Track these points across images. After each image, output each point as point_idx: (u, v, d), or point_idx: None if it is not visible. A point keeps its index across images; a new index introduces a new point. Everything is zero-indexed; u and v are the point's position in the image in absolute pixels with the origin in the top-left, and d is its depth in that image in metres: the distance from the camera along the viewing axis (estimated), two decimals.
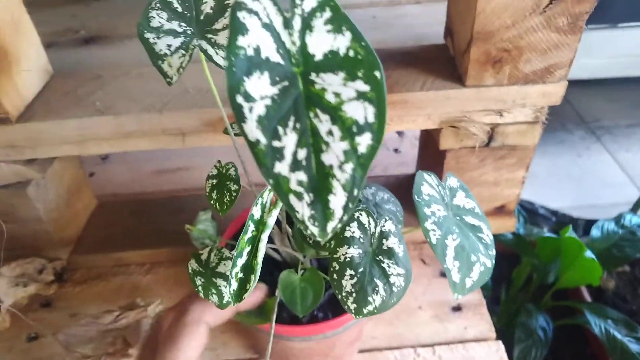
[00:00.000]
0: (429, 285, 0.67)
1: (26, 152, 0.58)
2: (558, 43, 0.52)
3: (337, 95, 0.26)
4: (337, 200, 0.27)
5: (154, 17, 0.39)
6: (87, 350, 0.59)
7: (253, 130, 0.25)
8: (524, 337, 0.89)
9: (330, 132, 0.26)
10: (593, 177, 1.65)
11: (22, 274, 0.65)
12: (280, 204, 0.37)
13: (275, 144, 0.26)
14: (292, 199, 0.26)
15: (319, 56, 0.26)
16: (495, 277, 0.97)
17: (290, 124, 0.26)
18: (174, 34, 0.39)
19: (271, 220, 0.36)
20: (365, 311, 0.38)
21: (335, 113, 0.26)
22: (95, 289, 0.68)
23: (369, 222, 0.41)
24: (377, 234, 0.40)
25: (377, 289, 0.38)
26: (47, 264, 0.67)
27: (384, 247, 0.40)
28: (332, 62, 0.26)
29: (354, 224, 0.40)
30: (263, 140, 0.25)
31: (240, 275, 0.35)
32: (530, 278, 1.03)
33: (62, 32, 0.76)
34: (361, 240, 0.40)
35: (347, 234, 0.40)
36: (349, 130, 0.26)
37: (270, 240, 0.49)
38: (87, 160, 0.91)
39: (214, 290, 0.41)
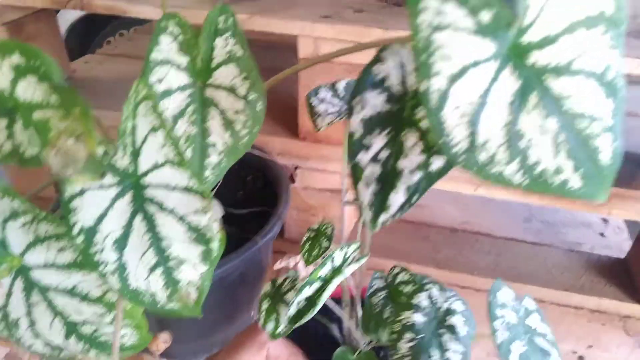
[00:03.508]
0: (630, 355, 0.78)
1: None
2: None
3: None
4: (397, 197, 0.31)
5: (319, 92, 0.48)
6: None
7: (355, 124, 0.33)
8: None
9: (414, 146, 0.31)
10: None
11: None
12: (362, 261, 0.40)
13: (366, 140, 0.32)
14: (361, 184, 0.32)
15: None
16: None
17: (385, 132, 0.32)
18: (332, 105, 0.48)
19: (348, 271, 0.38)
20: None
21: (424, 134, 0.31)
22: None
23: (438, 296, 0.42)
24: (443, 309, 0.42)
25: (430, 359, 0.39)
26: None
27: (447, 323, 0.41)
28: None
29: (424, 294, 0.42)
30: (358, 134, 0.33)
31: (302, 304, 0.38)
32: None
33: None
34: (427, 310, 0.42)
35: (415, 300, 0.42)
36: (430, 149, 0.30)
37: (339, 320, 0.52)
38: None
39: (273, 317, 0.42)
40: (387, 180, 0.32)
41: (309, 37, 0.68)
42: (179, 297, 0.33)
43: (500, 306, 0.40)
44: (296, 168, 0.77)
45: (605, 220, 1.04)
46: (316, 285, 0.38)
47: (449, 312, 0.42)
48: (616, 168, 0.31)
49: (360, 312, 0.50)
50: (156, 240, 0.33)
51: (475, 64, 0.27)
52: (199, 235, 0.33)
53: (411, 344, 0.40)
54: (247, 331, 0.47)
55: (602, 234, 1.01)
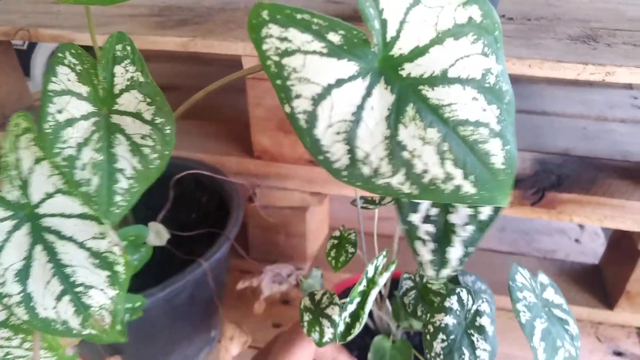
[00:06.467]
0: None
1: (316, 187, 0.80)
2: None
3: None
4: (455, 252, 0.32)
5: None
6: None
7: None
8: None
9: None
10: None
11: (278, 274, 0.87)
12: (391, 268, 0.42)
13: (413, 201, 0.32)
14: (418, 244, 0.33)
15: None
16: None
17: None
18: None
19: (381, 281, 0.41)
20: None
21: None
22: None
23: (467, 299, 0.45)
24: (472, 311, 0.45)
25: (463, 357, 0.43)
26: (294, 270, 0.88)
27: (477, 324, 0.44)
28: None
29: (454, 297, 0.45)
30: None
31: (347, 320, 0.40)
32: None
33: None
34: (457, 312, 0.44)
35: (447, 304, 0.44)
36: None
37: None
38: None
39: (317, 328, 0.45)
40: (443, 237, 0.33)
41: (253, 57, 0.68)
42: (93, 323, 0.33)
43: (520, 289, 0.43)
44: (256, 187, 0.77)
45: (581, 227, 1.03)
46: (357, 300, 0.41)
47: (478, 313, 0.45)
48: (512, 172, 0.30)
49: (388, 303, 0.53)
50: (59, 268, 0.33)
51: (339, 83, 0.27)
52: (102, 260, 0.33)
53: (443, 344, 0.43)
54: (294, 328, 0.49)
55: (577, 241, 1.00)
